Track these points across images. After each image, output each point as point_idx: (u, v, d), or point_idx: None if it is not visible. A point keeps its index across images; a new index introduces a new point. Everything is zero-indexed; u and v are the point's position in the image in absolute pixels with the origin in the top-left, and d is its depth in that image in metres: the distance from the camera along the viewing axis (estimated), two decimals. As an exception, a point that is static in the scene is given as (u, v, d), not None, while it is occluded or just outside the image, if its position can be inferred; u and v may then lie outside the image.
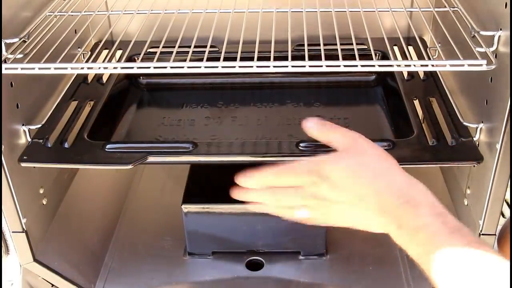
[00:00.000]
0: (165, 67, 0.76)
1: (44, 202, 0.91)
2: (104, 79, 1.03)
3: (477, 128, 0.82)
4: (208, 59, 0.77)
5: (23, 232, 0.85)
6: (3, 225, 0.84)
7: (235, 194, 0.67)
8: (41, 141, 0.84)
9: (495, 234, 0.83)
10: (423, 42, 1.09)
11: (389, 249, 1.01)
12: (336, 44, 0.79)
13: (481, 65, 0.72)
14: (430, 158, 0.79)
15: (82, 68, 0.80)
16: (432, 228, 0.54)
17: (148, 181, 1.23)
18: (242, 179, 0.66)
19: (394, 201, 0.56)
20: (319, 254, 1.00)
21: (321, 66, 0.74)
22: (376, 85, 1.09)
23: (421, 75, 1.01)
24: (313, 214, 0.63)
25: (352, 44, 0.79)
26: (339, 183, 0.59)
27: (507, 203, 0.82)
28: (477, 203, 0.83)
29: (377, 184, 0.58)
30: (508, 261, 0.49)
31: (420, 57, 0.92)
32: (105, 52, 1.03)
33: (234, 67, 0.75)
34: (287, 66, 0.75)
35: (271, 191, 0.65)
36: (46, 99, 0.95)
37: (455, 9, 0.89)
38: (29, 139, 0.84)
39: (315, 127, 0.65)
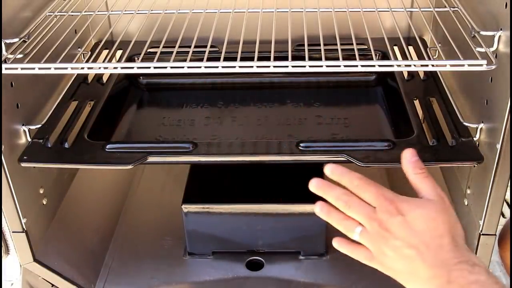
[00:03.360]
0: (165, 67, 0.76)
1: (44, 202, 0.91)
2: (104, 79, 1.03)
3: (477, 128, 0.82)
4: (208, 59, 0.77)
5: (23, 232, 0.85)
6: (3, 225, 0.84)
7: (316, 180, 0.65)
8: (41, 141, 0.84)
9: (495, 234, 0.83)
10: (423, 42, 1.09)
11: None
12: (336, 44, 0.79)
13: (481, 65, 0.72)
14: (430, 158, 0.79)
15: (82, 68, 0.80)
16: (485, 285, 0.55)
17: (148, 181, 1.23)
18: (332, 167, 0.65)
19: (453, 258, 0.57)
20: (319, 254, 1.01)
21: (321, 66, 0.74)
22: (376, 85, 1.09)
23: (421, 75, 1.01)
24: (369, 240, 0.62)
25: (352, 44, 0.79)
26: (412, 224, 0.59)
27: (507, 203, 0.82)
28: (477, 203, 0.83)
29: (445, 239, 0.58)
30: None
31: (420, 57, 0.92)
32: (105, 52, 1.03)
33: (234, 67, 0.75)
34: (287, 66, 0.75)
35: (347, 194, 0.63)
36: (46, 99, 0.95)
37: (455, 9, 0.89)
38: (29, 139, 0.84)
39: (412, 169, 0.65)
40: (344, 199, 0.63)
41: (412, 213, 0.60)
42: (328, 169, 0.65)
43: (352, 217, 0.63)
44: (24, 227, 0.84)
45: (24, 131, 0.84)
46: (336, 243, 0.67)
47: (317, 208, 0.65)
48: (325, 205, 0.65)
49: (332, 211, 0.64)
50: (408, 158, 0.65)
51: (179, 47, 0.82)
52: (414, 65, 0.77)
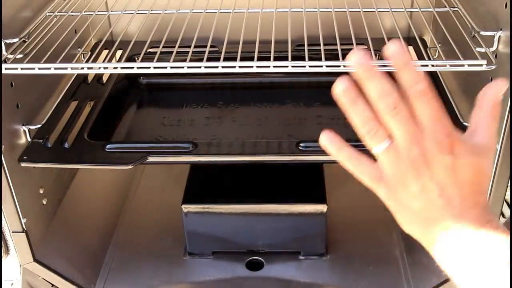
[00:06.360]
0: (165, 67, 0.76)
1: (44, 202, 0.91)
2: (104, 79, 1.04)
3: (477, 128, 0.82)
4: (208, 59, 0.77)
5: (23, 232, 0.85)
6: (3, 225, 0.84)
7: (361, 53, 0.46)
8: (41, 141, 0.84)
9: (495, 234, 0.83)
10: (423, 42, 1.09)
11: (389, 249, 1.01)
12: (336, 44, 0.79)
13: (481, 65, 0.72)
14: (430, 158, 0.79)
15: (82, 68, 0.80)
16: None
17: (148, 181, 1.23)
18: (395, 49, 0.46)
19: (484, 217, 0.49)
20: (319, 254, 1.00)
21: (321, 66, 0.74)
22: (376, 85, 1.09)
23: (421, 75, 1.01)
24: (394, 161, 0.49)
25: (352, 44, 0.79)
26: (459, 171, 0.47)
27: (507, 203, 0.82)
28: (477, 203, 0.83)
29: (482, 197, 0.49)
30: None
31: (420, 57, 0.92)
32: (105, 52, 1.02)
33: (234, 67, 0.75)
34: (287, 66, 0.75)
35: (399, 95, 0.47)
36: (46, 99, 0.95)
37: (455, 9, 0.89)
38: (29, 139, 0.84)
39: (494, 99, 0.50)
40: (395, 101, 0.46)
41: (465, 159, 0.47)
42: (391, 48, 0.46)
43: (390, 126, 0.47)
44: (24, 227, 0.84)
45: (24, 131, 0.84)
46: (327, 139, 0.53)
47: (340, 86, 0.47)
48: (353, 87, 0.47)
49: (360, 101, 0.48)
50: (497, 88, 0.50)
51: (179, 47, 0.82)
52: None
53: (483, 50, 0.74)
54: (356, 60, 0.46)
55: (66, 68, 0.77)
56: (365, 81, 0.47)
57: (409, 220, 0.51)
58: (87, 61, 0.98)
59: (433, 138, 0.47)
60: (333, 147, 0.53)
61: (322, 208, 0.93)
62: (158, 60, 0.78)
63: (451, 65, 0.74)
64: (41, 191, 0.90)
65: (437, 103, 0.47)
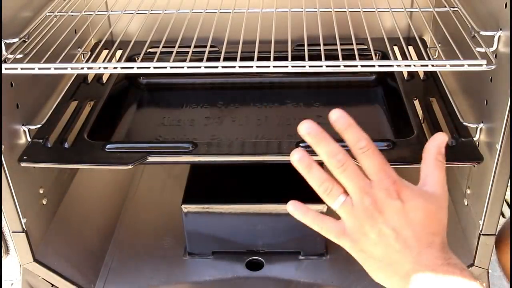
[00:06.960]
0: (165, 67, 0.76)
1: (44, 202, 0.91)
2: (104, 79, 1.04)
3: (477, 128, 0.82)
4: (208, 59, 0.77)
5: (23, 232, 0.85)
6: (3, 225, 0.84)
7: (310, 123, 0.53)
8: (41, 141, 0.84)
9: (495, 234, 0.83)
10: (423, 42, 1.09)
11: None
12: (336, 44, 0.79)
13: (481, 65, 0.72)
14: (430, 158, 0.79)
15: (82, 68, 0.80)
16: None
17: (148, 181, 1.23)
18: (340, 114, 0.53)
19: (442, 258, 0.52)
20: (319, 254, 1.00)
21: (321, 66, 0.74)
22: (376, 85, 1.09)
23: (421, 75, 1.01)
24: (351, 214, 0.54)
25: (352, 44, 0.79)
26: (409, 214, 0.52)
27: (507, 203, 0.82)
28: (477, 203, 0.83)
29: (437, 238, 0.53)
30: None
31: (420, 57, 0.92)
32: (105, 52, 1.03)
33: (234, 67, 0.75)
34: (287, 66, 0.75)
35: (345, 154, 0.53)
36: (46, 99, 0.95)
37: (455, 9, 0.89)
38: (29, 139, 0.84)
39: (435, 153, 0.57)
40: (341, 159, 0.52)
41: (413, 202, 0.53)
42: (334, 114, 0.53)
43: (341, 182, 0.53)
44: (24, 227, 0.84)
45: (24, 131, 0.84)
46: (292, 208, 0.57)
47: (296, 156, 0.54)
48: (307, 155, 0.54)
49: (314, 166, 0.54)
50: (439, 142, 0.57)
51: (179, 47, 0.82)
52: (414, 65, 0.77)
53: (483, 50, 0.74)
54: (304, 131, 0.53)
55: (66, 68, 0.77)
56: (315, 146, 0.53)
57: (376, 269, 0.55)
58: (87, 61, 0.98)
59: (381, 186, 0.52)
60: (299, 213, 0.58)
61: (322, 208, 0.93)
62: (158, 60, 0.78)
63: (451, 65, 0.73)
64: (41, 191, 0.90)
65: (379, 156, 0.53)
